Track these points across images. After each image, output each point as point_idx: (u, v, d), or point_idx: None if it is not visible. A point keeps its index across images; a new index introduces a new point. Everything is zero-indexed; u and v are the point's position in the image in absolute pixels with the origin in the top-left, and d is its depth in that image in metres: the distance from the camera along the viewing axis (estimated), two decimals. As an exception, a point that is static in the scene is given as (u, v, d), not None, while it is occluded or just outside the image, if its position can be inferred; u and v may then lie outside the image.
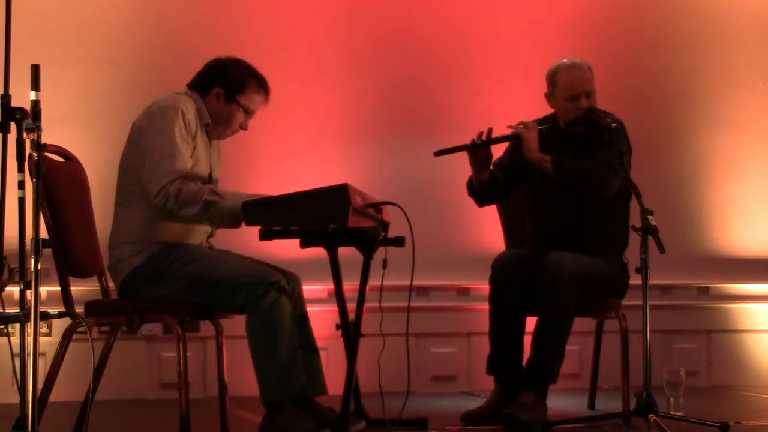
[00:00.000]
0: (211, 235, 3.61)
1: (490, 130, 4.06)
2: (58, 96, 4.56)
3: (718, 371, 5.52)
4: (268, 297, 3.29)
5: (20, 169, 2.88)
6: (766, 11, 5.71)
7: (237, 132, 3.64)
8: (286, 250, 3.79)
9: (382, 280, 3.40)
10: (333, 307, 3.73)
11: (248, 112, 3.59)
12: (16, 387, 2.90)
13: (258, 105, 3.60)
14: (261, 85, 3.59)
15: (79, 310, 3.43)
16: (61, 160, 3.58)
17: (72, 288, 3.42)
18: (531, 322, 4.00)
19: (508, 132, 4.11)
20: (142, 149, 3.41)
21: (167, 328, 4.54)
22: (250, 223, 3.34)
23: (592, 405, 4.39)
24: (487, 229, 4.95)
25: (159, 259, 3.41)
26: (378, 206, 3.53)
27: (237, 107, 3.56)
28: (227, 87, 3.53)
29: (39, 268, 2.64)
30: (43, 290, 4.18)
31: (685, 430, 3.62)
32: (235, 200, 3.34)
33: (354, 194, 3.31)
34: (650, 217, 3.53)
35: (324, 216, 3.28)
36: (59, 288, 3.39)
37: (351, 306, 3.55)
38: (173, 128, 3.38)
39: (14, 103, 2.92)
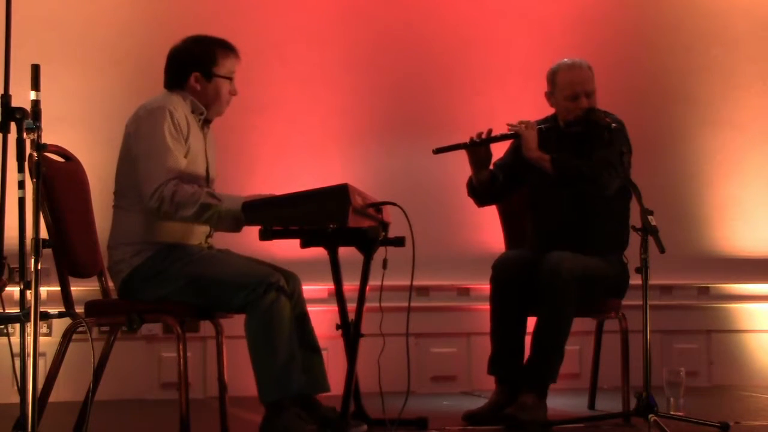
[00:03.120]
0: (210, 235, 3.61)
1: (489, 131, 4.06)
2: (58, 96, 4.56)
3: (718, 371, 5.52)
4: (268, 297, 3.29)
5: (20, 169, 2.87)
6: (767, 11, 5.71)
7: (230, 101, 3.63)
8: (286, 250, 3.79)
9: (382, 280, 3.40)
10: (333, 307, 3.73)
11: (230, 78, 3.60)
12: (16, 387, 2.89)
13: (234, 65, 3.60)
14: (226, 47, 3.59)
15: (79, 310, 3.43)
16: (61, 160, 3.58)
17: (72, 288, 3.42)
18: (531, 322, 4.00)
19: (508, 131, 4.12)
20: (134, 154, 3.42)
21: (167, 328, 4.54)
22: (250, 223, 3.34)
23: (592, 405, 4.39)
24: (487, 229, 4.94)
25: (159, 259, 3.41)
26: (378, 206, 3.53)
27: (219, 79, 3.56)
28: (200, 67, 3.54)
29: (39, 268, 2.63)
30: (43, 290, 4.18)
31: (685, 430, 3.62)
32: (233, 204, 3.34)
33: (354, 194, 3.31)
34: (650, 217, 3.53)
35: (324, 216, 3.28)
36: (59, 288, 3.39)
37: (351, 306, 3.55)
38: (162, 129, 3.38)
39: (14, 103, 2.90)
